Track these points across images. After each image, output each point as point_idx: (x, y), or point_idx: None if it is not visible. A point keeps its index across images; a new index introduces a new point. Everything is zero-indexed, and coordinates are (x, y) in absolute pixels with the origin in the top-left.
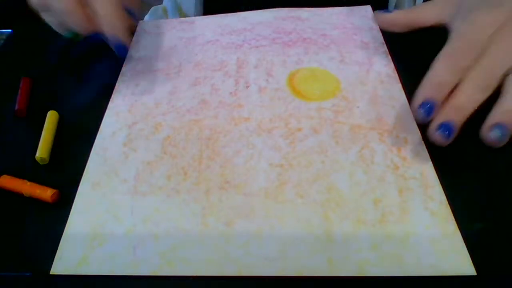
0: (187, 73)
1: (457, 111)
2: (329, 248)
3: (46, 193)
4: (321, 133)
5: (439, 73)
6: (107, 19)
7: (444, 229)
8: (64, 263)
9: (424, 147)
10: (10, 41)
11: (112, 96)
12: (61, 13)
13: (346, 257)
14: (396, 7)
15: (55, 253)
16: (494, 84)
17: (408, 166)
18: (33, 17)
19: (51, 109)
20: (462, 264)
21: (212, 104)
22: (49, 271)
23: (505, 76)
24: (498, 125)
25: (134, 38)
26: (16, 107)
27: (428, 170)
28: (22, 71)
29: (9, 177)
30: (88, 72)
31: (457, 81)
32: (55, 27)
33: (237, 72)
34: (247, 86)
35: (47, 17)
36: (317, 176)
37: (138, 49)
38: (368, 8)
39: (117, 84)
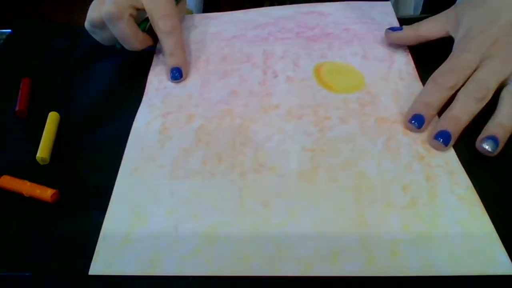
0: (215, 66)
1: (451, 121)
2: (362, 228)
3: (46, 193)
4: (349, 124)
5: (427, 93)
6: (176, 53)
7: (471, 212)
8: (108, 242)
9: None
10: (10, 41)
11: (146, 89)
12: (120, 38)
13: (379, 237)
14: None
15: (54, 253)
16: (487, 95)
17: (433, 156)
18: (33, 17)
19: (52, 110)
20: (491, 243)
21: (242, 94)
22: (49, 269)
23: (502, 87)
24: (489, 137)
25: None
26: (17, 108)
27: (452, 159)
28: (22, 71)
29: (9, 177)
30: (88, 72)
31: (444, 99)
32: (105, 43)
33: (264, 63)
34: (275, 76)
35: (98, 36)
36: (347, 163)
37: None
38: (388, 4)
39: (149, 77)
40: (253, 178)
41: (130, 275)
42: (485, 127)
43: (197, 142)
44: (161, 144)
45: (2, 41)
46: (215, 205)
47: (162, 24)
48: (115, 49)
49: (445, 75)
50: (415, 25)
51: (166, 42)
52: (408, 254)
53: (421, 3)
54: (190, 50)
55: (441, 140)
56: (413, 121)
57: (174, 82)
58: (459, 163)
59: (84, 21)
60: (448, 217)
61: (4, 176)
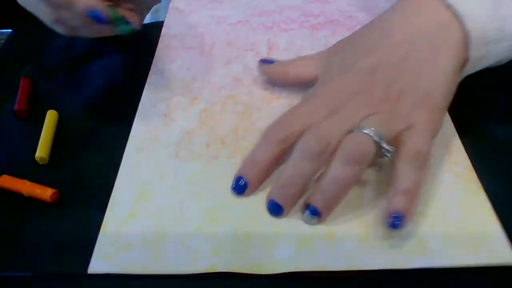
0: (220, 51)
1: (278, 188)
2: (362, 207)
3: (46, 192)
4: None
5: (255, 148)
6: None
7: (468, 189)
8: (115, 217)
9: (449, 117)
10: (10, 41)
11: (151, 70)
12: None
13: (377, 215)
14: None
15: (54, 253)
16: (326, 151)
17: None
18: (33, 17)
19: (51, 109)
20: (486, 218)
21: (245, 82)
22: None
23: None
24: (394, 217)
25: (167, 16)
26: (16, 108)
27: (453, 138)
28: (22, 71)
29: (9, 177)
30: (87, 72)
31: (274, 154)
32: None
33: (268, 53)
34: None
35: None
36: None
37: (171, 27)
38: None
39: (154, 59)
40: None
41: (130, 274)
42: (389, 201)
43: (200, 125)
44: (166, 125)
45: (2, 41)
46: (218, 186)
47: None
48: (114, 48)
49: (276, 128)
50: (288, 61)
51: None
52: (404, 233)
53: None
54: (196, 33)
55: (271, 208)
56: (234, 187)
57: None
58: (460, 141)
59: None
60: (444, 195)
61: (3, 175)
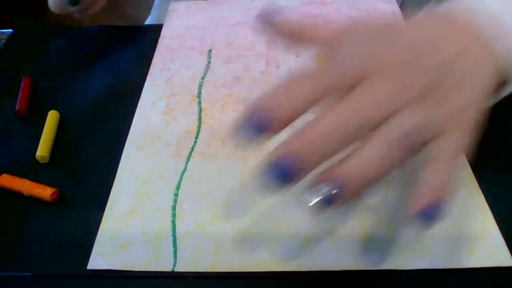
0: (220, 51)
1: (315, 137)
2: (362, 208)
3: (45, 192)
4: None
5: (297, 80)
6: None
7: (466, 191)
8: (115, 213)
9: None
10: (10, 41)
11: (150, 69)
12: None
13: (378, 215)
14: None
15: (55, 252)
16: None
17: None
18: (33, 17)
19: (52, 109)
20: (484, 220)
21: (245, 80)
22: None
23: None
24: (423, 212)
25: (167, 18)
26: (17, 108)
27: None
28: (22, 71)
29: (9, 176)
30: (88, 72)
31: (324, 94)
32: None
33: (267, 52)
34: (278, 67)
35: None
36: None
37: (172, 29)
38: None
39: (154, 58)
40: (255, 161)
41: (129, 272)
42: (418, 192)
43: (201, 125)
44: (166, 124)
45: (2, 41)
46: (218, 185)
47: None
48: (115, 48)
49: (338, 63)
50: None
51: None
52: (403, 234)
53: None
54: (196, 35)
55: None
56: (246, 125)
57: None
58: None
59: (85, 21)
60: None
61: (3, 175)
